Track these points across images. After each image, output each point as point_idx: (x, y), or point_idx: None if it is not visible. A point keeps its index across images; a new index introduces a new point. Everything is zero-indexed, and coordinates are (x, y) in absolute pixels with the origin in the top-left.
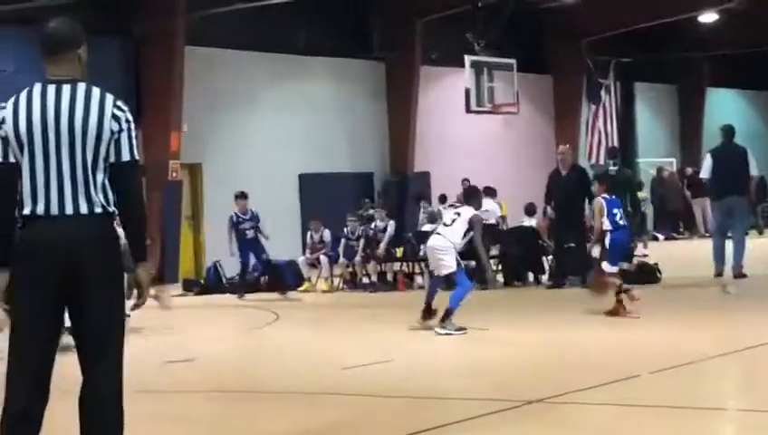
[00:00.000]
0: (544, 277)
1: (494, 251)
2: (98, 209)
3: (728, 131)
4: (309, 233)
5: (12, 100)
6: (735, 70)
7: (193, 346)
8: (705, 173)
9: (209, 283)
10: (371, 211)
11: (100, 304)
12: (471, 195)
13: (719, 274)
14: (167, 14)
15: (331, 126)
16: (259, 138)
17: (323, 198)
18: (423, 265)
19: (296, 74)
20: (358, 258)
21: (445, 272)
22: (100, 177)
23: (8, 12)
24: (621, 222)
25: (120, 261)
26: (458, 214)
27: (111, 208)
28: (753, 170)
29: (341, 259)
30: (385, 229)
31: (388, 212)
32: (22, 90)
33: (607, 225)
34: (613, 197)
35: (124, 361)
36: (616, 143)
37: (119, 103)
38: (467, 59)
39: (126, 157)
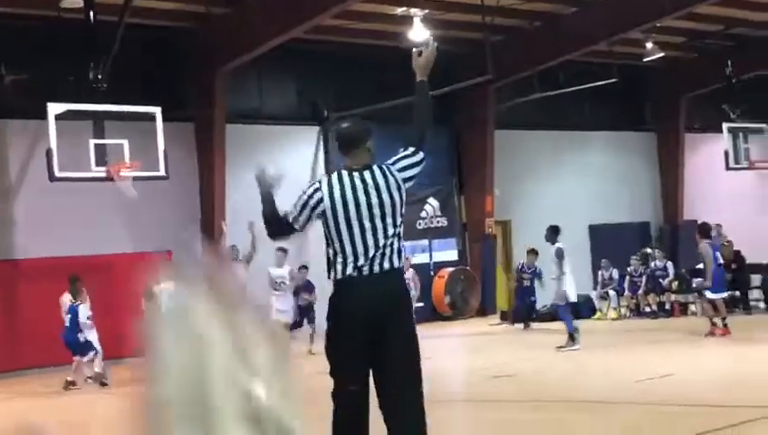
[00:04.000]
0: None
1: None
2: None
3: None
4: (600, 272)
5: (324, 183)
6: None
7: (514, 364)
8: None
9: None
10: (648, 251)
11: (402, 352)
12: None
13: None
14: (480, 105)
15: (614, 186)
16: (556, 198)
17: (610, 243)
18: (696, 295)
19: (582, 146)
20: (641, 291)
21: None
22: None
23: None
24: None
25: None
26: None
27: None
28: None
29: (627, 292)
30: (664, 268)
31: (666, 254)
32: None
33: None
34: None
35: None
36: None
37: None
38: (725, 126)
39: None
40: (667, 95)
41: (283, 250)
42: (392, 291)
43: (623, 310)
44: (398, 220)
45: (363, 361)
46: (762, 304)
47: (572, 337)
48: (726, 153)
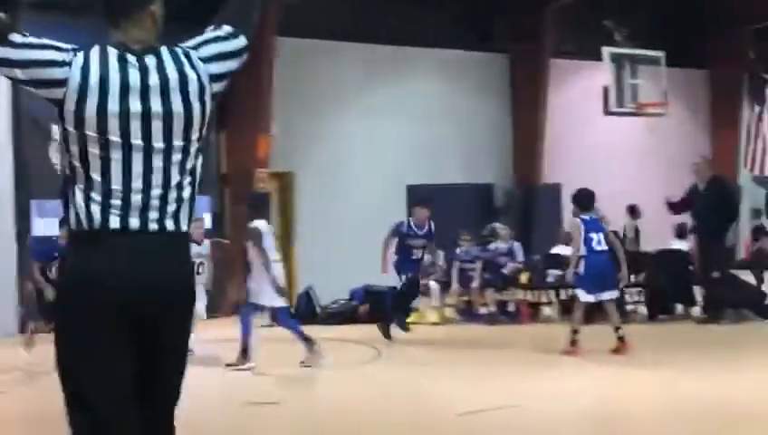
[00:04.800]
0: (695, 309)
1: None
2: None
3: None
4: None
5: (81, 54)
6: None
7: (279, 386)
8: None
9: (300, 312)
10: (498, 227)
11: (173, 373)
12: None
13: None
14: None
15: (444, 130)
16: (362, 142)
17: (435, 212)
18: (553, 293)
19: (402, 69)
20: (474, 285)
21: None
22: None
23: None
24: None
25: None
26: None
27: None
28: None
29: (455, 286)
30: (509, 252)
31: (513, 232)
32: None
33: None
34: (594, 217)
35: (201, 400)
36: None
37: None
38: (606, 51)
39: None
40: (526, 1)
41: None
42: (176, 271)
43: (449, 311)
44: (195, 147)
45: (125, 367)
46: (642, 309)
47: (245, 353)
48: (607, 90)
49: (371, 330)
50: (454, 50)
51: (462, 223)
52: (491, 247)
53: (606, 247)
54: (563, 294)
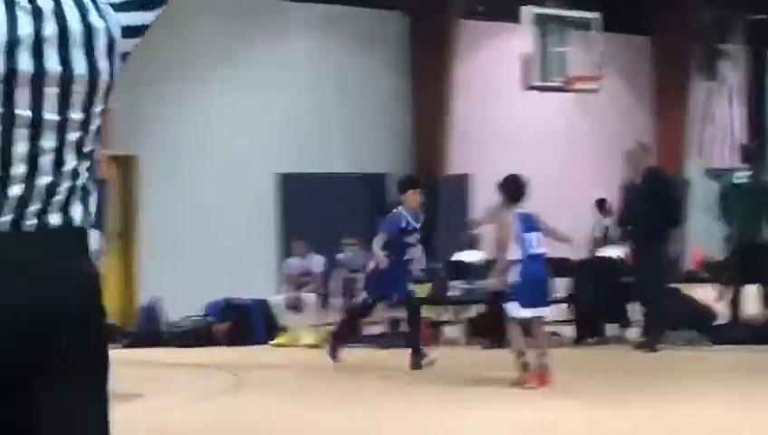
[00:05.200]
0: (630, 331)
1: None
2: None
3: None
4: (289, 261)
5: None
6: None
7: (121, 419)
8: None
9: (143, 330)
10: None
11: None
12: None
13: None
14: None
15: (327, 106)
16: (221, 121)
17: (313, 209)
18: (452, 309)
19: (275, 30)
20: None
21: None
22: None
23: None
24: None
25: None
26: None
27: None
28: None
29: (337, 300)
30: None
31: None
32: None
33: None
34: (527, 212)
35: None
36: (738, 134)
37: None
38: (527, 11)
39: None
40: None
41: None
42: (66, 280)
43: (329, 330)
44: (96, 124)
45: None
46: (567, 330)
47: None
48: (527, 59)
49: (231, 353)
50: (338, 5)
51: (347, 222)
52: None
53: (543, 250)
54: (471, 311)
